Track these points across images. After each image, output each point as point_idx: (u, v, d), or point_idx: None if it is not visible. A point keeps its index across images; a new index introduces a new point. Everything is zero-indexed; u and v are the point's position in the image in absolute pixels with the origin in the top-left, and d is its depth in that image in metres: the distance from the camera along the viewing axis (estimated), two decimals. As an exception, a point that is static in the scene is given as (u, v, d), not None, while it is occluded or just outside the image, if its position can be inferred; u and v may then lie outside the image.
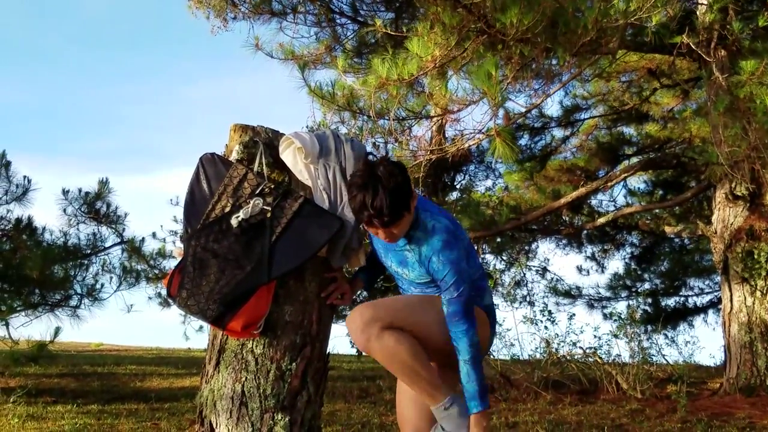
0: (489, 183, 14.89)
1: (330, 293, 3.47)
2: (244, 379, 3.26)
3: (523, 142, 13.03)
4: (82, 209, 10.03)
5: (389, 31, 8.49)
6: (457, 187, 14.56)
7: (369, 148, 8.47)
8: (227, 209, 3.27)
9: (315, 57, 10.16)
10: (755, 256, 9.04)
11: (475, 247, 3.52)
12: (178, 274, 3.25)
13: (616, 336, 10.35)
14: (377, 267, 3.68)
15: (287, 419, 3.25)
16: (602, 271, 16.64)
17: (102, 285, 9.69)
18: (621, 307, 15.89)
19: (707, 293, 16.34)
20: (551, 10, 6.59)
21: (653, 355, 10.52)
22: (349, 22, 11.26)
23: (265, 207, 3.25)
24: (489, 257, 14.60)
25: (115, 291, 9.90)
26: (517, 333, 20.94)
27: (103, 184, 10.14)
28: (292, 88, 8.87)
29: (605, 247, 16.40)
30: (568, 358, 10.23)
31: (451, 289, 3.15)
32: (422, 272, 3.27)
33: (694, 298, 16.49)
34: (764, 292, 9.02)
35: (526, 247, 15.74)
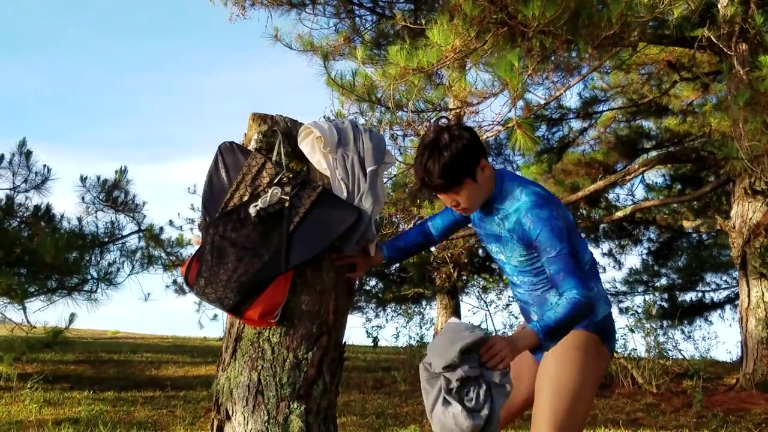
0: (507, 176, 14.85)
1: (342, 258, 3.35)
2: (260, 367, 3.27)
3: (540, 133, 12.99)
4: (100, 197, 10.07)
5: (408, 24, 8.47)
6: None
7: (387, 139, 8.44)
8: (245, 198, 3.27)
9: (334, 48, 10.15)
10: (774, 252, 8.99)
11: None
12: (196, 262, 3.25)
13: (632, 330, 10.34)
14: (404, 250, 3.58)
15: (303, 408, 3.25)
16: (619, 268, 16.60)
17: (117, 269, 9.74)
18: (637, 301, 15.85)
19: (724, 289, 16.28)
20: (574, 2, 6.56)
21: (669, 349, 10.50)
22: (368, 13, 11.25)
23: (283, 196, 3.25)
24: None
25: (129, 274, 9.95)
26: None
27: (121, 172, 10.18)
28: (310, 78, 8.92)
29: (622, 243, 16.34)
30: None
31: (548, 249, 2.87)
32: (518, 248, 3.03)
33: (711, 293, 16.43)
34: (782, 288, 8.97)
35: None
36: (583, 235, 15.53)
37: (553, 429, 2.89)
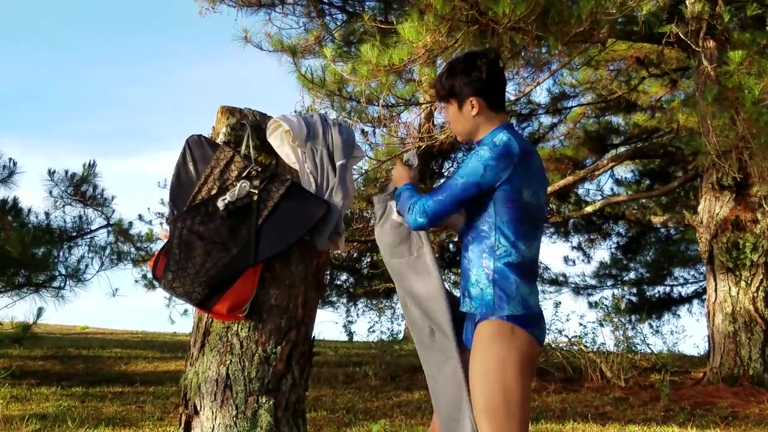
0: (477, 170, 14.90)
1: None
2: (228, 362, 3.25)
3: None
4: (69, 191, 9.98)
5: (378, 24, 8.47)
6: (445, 174, 14.55)
7: (357, 134, 8.45)
8: (213, 192, 3.25)
9: (304, 47, 10.12)
10: (740, 247, 9.08)
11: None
12: (164, 256, 3.23)
13: (601, 324, 10.40)
14: None
15: (271, 402, 3.24)
16: (588, 262, 16.70)
17: (86, 266, 9.66)
18: (606, 295, 15.95)
19: (692, 283, 16.42)
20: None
21: (637, 344, 10.58)
22: (338, 12, 11.23)
23: (251, 190, 3.24)
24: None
25: (98, 271, 9.87)
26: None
27: (90, 166, 10.10)
28: (283, 73, 8.85)
29: (591, 237, 16.44)
30: (552, 345, 10.27)
31: (454, 173, 3.06)
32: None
33: (679, 287, 16.57)
34: (749, 282, 9.06)
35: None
36: (552, 230, 15.60)
37: (491, 417, 2.90)
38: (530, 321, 3.02)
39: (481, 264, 3.03)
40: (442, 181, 3.15)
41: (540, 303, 3.15)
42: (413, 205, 3.05)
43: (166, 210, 12.44)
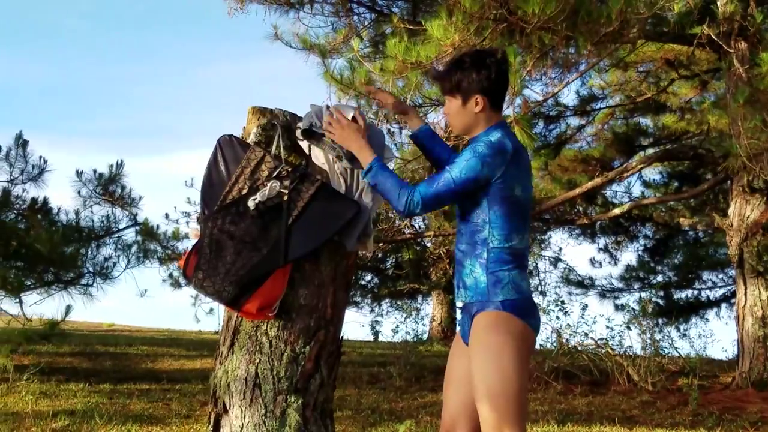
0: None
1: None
2: (258, 360, 3.26)
3: (537, 129, 12.95)
4: (97, 191, 10.05)
5: (407, 26, 8.47)
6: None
7: (385, 134, 8.46)
8: (244, 191, 3.27)
9: (332, 47, 10.13)
10: (771, 251, 8.99)
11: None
12: (195, 255, 3.25)
13: (628, 327, 10.34)
14: (428, 145, 3.60)
15: (300, 402, 3.25)
16: (615, 264, 16.58)
17: (114, 264, 9.72)
18: (633, 298, 15.84)
19: (721, 287, 16.26)
20: (574, -1, 6.59)
21: (665, 347, 10.50)
22: (366, 11, 11.25)
23: (282, 190, 3.25)
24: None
25: (125, 269, 9.92)
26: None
27: (118, 166, 10.17)
28: (309, 73, 8.88)
29: (618, 239, 16.34)
30: (579, 348, 10.22)
31: (449, 165, 3.10)
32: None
33: (708, 291, 16.42)
34: (779, 286, 8.97)
35: (540, 237, 15.70)
36: (578, 232, 15.48)
37: (491, 403, 2.96)
38: (525, 310, 3.11)
39: (475, 254, 3.13)
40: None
41: (531, 290, 3.24)
42: (407, 194, 3.07)
43: (192, 209, 12.53)
